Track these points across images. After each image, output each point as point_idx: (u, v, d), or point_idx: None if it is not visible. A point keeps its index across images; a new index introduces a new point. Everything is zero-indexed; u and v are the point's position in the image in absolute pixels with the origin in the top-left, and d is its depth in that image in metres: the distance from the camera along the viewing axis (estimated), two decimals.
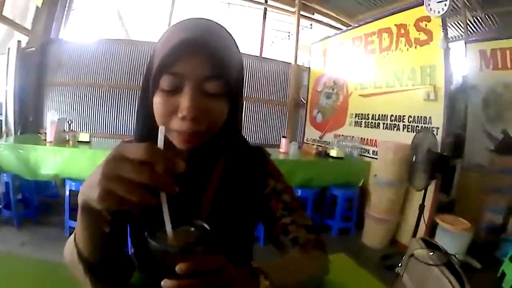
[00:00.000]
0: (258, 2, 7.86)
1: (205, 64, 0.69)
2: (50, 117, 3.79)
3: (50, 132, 3.79)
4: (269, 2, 7.85)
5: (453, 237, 3.56)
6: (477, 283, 3.46)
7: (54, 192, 4.78)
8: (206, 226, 0.61)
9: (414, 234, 3.74)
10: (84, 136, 4.12)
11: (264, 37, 7.92)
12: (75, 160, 3.60)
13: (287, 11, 7.83)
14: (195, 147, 0.77)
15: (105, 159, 0.51)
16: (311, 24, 10.05)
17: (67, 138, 3.89)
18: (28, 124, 5.35)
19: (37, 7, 5.47)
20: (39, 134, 4.13)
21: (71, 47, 5.74)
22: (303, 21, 8.28)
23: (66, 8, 5.98)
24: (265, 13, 8.06)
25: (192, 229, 0.61)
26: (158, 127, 0.58)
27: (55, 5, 5.68)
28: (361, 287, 1.12)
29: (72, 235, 0.70)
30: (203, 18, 0.78)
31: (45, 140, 3.84)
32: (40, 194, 4.39)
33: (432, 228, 3.83)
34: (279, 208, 0.95)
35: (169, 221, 0.56)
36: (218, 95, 0.73)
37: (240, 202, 0.92)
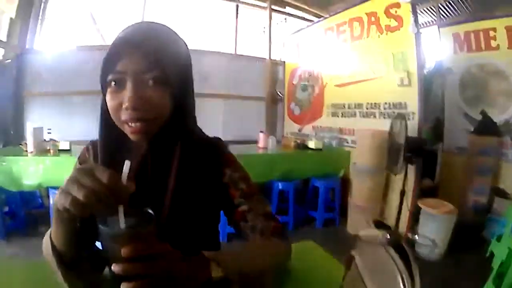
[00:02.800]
0: None
1: (142, 59, 0.77)
2: (29, 128, 3.76)
3: (30, 143, 3.75)
4: None
5: (437, 220, 3.58)
6: (465, 264, 3.53)
7: (40, 204, 4.70)
8: (151, 211, 0.65)
9: (397, 220, 3.75)
10: (64, 145, 4.03)
11: (237, 34, 7.86)
12: (57, 169, 3.57)
13: (259, 6, 7.79)
14: (150, 139, 0.86)
15: (72, 173, 0.61)
16: (285, 18, 10.04)
17: (48, 148, 3.82)
18: (10, 136, 5.25)
19: (11, 18, 5.33)
20: (20, 146, 4.05)
21: (48, 56, 5.60)
22: (277, 16, 8.25)
23: (40, 18, 5.83)
24: (237, 10, 8.03)
25: (140, 215, 0.64)
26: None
27: (28, 15, 5.52)
28: (327, 273, 1.10)
29: (49, 231, 0.76)
30: (147, 22, 0.89)
31: (27, 151, 3.80)
32: (27, 206, 4.36)
33: (416, 213, 3.85)
34: (237, 195, 0.97)
35: (122, 211, 0.60)
36: (157, 85, 0.79)
37: (199, 191, 0.93)
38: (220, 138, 1.08)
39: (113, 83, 0.79)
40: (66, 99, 5.66)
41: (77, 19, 9.13)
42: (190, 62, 0.93)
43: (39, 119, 5.13)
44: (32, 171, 3.57)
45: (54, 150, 3.81)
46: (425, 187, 4.40)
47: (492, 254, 3.09)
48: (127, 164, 0.63)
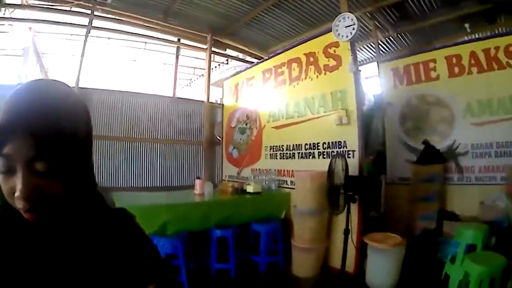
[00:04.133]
0: (171, 41, 7.79)
1: (30, 145, 0.68)
2: None
3: None
4: (182, 41, 7.78)
5: (385, 254, 3.54)
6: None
7: None
8: None
9: (344, 258, 3.67)
10: None
11: (177, 77, 7.83)
12: None
13: (200, 48, 7.78)
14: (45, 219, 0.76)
15: None
16: (227, 60, 10.14)
17: None
18: None
19: None
20: None
21: None
22: (219, 58, 8.30)
23: None
24: (177, 52, 8.01)
25: None
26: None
27: None
28: None
29: None
30: (33, 87, 0.75)
31: None
32: None
33: (363, 248, 3.79)
34: (142, 274, 0.85)
35: None
36: (49, 173, 0.71)
37: (98, 269, 0.81)
38: (125, 209, 0.97)
39: (1, 167, 0.70)
40: None
41: (21, 54, 8.85)
42: (90, 129, 0.84)
43: None
44: None
45: None
46: (371, 220, 4.40)
47: (447, 276, 3.18)
48: None
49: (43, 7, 5.97)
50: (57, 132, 0.71)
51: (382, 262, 3.58)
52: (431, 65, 5.13)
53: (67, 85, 0.80)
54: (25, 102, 0.72)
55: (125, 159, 6.37)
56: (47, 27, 8.02)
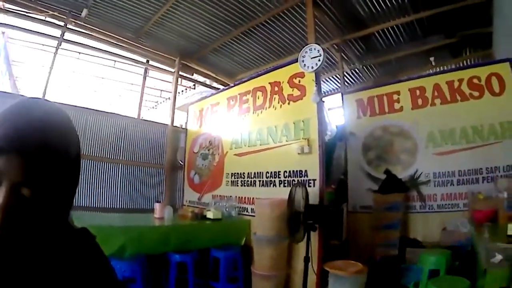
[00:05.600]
0: (140, 61, 7.77)
1: (19, 168, 0.66)
2: None
3: None
4: (151, 62, 7.78)
5: (345, 281, 3.54)
6: None
7: None
8: None
9: (304, 286, 3.65)
10: None
11: (143, 99, 7.78)
12: None
13: (168, 71, 7.79)
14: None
15: None
16: (194, 85, 10.17)
17: None
18: None
19: None
20: None
21: None
22: (186, 82, 8.32)
23: None
24: (145, 74, 7.99)
25: None
26: None
27: None
28: None
29: None
30: (27, 105, 0.74)
31: None
32: None
33: (324, 276, 3.78)
34: None
35: None
36: (34, 199, 0.69)
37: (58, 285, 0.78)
38: (86, 229, 0.94)
39: None
40: None
41: None
42: (80, 152, 0.84)
43: None
44: None
45: None
46: (333, 248, 4.46)
47: None
48: None
49: (18, 12, 5.87)
50: (49, 156, 0.70)
51: None
52: (395, 97, 5.35)
53: (57, 105, 0.79)
54: (16, 122, 0.70)
55: (84, 178, 6.20)
56: (20, 35, 7.96)
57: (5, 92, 6.44)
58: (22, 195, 0.68)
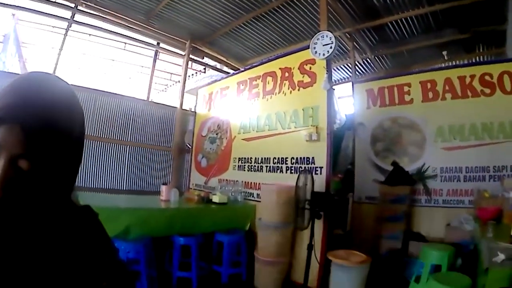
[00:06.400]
0: (151, 44, 7.73)
1: (18, 140, 0.65)
2: None
3: None
4: (161, 45, 7.74)
5: (348, 271, 3.53)
6: None
7: None
8: None
9: (306, 273, 3.66)
10: None
11: (153, 81, 7.76)
12: None
13: (178, 54, 7.75)
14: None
15: None
16: (204, 68, 10.13)
17: None
18: None
19: None
20: None
21: None
22: (196, 65, 8.28)
23: None
24: (156, 56, 7.95)
25: None
26: None
27: None
28: None
29: None
30: (34, 78, 0.73)
31: None
32: None
33: (327, 265, 3.77)
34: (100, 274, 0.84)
35: None
36: (32, 172, 0.68)
37: (57, 260, 0.77)
38: (89, 206, 0.92)
39: None
40: None
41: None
42: (84, 130, 0.82)
43: None
44: None
45: None
46: (337, 237, 4.44)
47: None
48: None
49: None
50: (51, 131, 0.69)
51: (346, 279, 3.57)
52: (406, 88, 5.27)
53: (65, 81, 0.78)
54: (22, 94, 0.69)
55: (92, 159, 6.23)
56: (30, 16, 7.93)
57: (15, 73, 6.44)
58: (20, 167, 0.67)
